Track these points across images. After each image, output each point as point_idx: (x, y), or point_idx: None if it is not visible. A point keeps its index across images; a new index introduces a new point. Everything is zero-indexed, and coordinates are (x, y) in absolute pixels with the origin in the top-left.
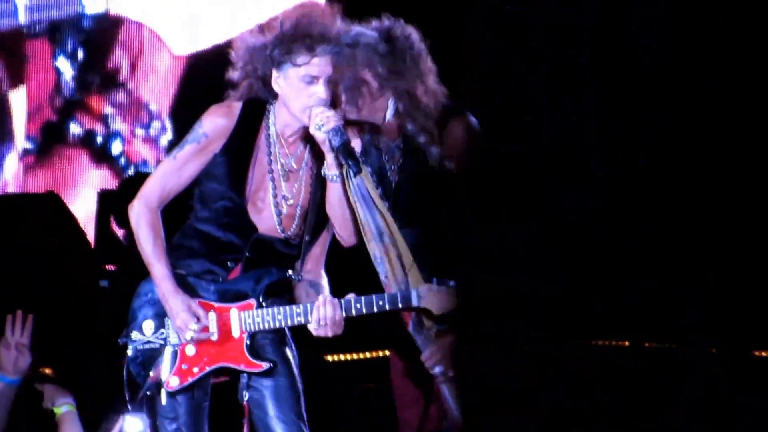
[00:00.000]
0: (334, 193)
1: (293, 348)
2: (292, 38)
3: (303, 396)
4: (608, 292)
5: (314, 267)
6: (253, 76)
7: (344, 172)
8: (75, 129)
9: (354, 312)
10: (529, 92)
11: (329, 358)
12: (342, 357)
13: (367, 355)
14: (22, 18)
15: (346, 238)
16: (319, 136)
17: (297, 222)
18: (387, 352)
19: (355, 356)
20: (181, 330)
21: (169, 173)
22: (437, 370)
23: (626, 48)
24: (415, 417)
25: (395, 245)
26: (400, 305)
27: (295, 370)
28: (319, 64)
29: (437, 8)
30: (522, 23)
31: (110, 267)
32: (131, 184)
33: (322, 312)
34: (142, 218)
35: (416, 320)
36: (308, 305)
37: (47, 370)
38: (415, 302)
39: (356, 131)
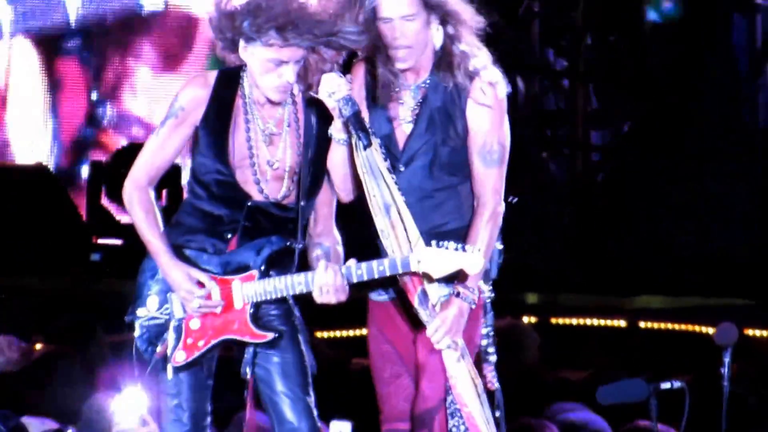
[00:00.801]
0: (338, 153)
1: (301, 322)
2: (266, 18)
3: (310, 371)
4: None
5: (324, 228)
6: (221, 39)
7: (353, 142)
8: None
9: (355, 278)
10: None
11: (320, 334)
12: (334, 334)
13: (363, 332)
14: (72, 15)
15: (344, 196)
16: (330, 103)
17: (286, 184)
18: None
19: (346, 333)
20: (186, 300)
21: (154, 151)
22: (444, 342)
23: None
24: (393, 394)
25: (402, 220)
26: (399, 270)
27: (303, 345)
28: (288, 51)
29: None
30: None
31: (102, 240)
32: (123, 155)
33: (323, 279)
34: (134, 198)
35: (421, 293)
36: (309, 274)
37: (39, 345)
38: (414, 266)
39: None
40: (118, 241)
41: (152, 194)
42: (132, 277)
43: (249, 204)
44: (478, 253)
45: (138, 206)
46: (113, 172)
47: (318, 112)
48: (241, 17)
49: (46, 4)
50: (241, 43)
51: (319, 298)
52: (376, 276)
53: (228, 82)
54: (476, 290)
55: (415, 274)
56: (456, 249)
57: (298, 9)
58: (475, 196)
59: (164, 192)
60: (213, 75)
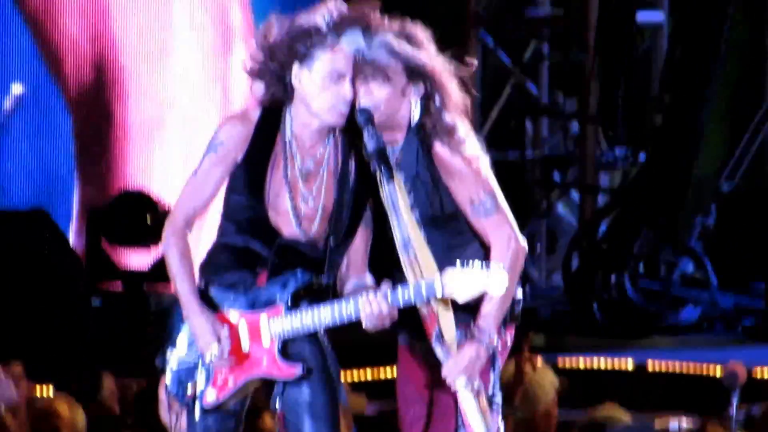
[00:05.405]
0: None
1: (332, 355)
2: (318, 27)
3: (341, 407)
4: None
5: (356, 271)
6: (268, 71)
7: (378, 177)
8: None
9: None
10: None
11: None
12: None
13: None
14: None
15: None
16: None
17: (318, 223)
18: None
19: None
20: (203, 350)
21: (192, 191)
22: (459, 382)
23: None
24: (413, 416)
25: (417, 260)
26: (424, 294)
27: (335, 379)
28: (345, 57)
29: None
30: None
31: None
32: (120, 202)
33: (369, 309)
34: (170, 242)
35: (437, 332)
36: (335, 305)
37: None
38: (438, 290)
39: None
40: (118, 287)
41: (189, 238)
42: (132, 321)
43: (279, 241)
44: (503, 272)
45: (172, 248)
46: (110, 219)
47: (358, 155)
48: (296, 37)
49: None
50: (294, 69)
51: (368, 325)
52: (402, 305)
53: (271, 120)
54: (494, 334)
55: (436, 303)
56: (482, 267)
57: (348, 10)
58: (491, 247)
59: None
60: (255, 111)
